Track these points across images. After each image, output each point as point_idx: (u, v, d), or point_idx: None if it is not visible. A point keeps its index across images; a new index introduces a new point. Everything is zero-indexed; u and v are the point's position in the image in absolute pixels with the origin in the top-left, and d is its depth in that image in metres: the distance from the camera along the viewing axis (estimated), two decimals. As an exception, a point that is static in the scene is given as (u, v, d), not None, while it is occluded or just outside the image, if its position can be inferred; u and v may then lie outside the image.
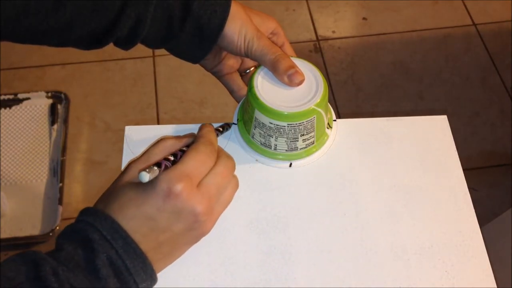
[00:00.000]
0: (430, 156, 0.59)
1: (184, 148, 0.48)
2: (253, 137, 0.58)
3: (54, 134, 1.51)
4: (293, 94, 0.55)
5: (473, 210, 0.56)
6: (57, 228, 1.33)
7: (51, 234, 1.32)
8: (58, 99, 1.57)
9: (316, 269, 0.52)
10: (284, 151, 0.57)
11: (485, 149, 1.56)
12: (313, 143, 0.57)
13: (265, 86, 0.55)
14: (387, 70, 1.70)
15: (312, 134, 0.56)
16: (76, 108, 1.57)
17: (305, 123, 0.54)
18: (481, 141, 1.58)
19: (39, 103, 1.56)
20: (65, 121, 1.53)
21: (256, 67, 0.57)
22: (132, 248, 0.42)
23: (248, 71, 0.62)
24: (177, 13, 0.52)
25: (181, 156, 0.46)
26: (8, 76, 1.63)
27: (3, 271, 0.39)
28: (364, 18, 1.83)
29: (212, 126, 0.53)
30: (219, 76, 0.61)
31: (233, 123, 0.60)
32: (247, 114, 0.57)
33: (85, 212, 0.45)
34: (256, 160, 0.58)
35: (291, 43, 0.61)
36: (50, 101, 1.57)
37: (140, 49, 0.58)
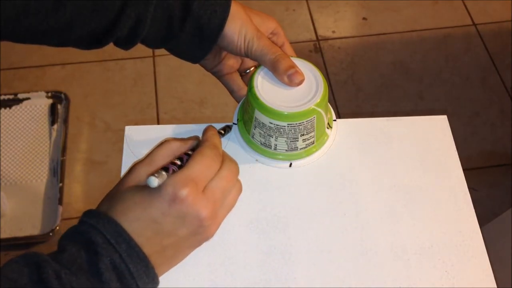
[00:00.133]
0: (430, 156, 0.59)
1: (190, 152, 0.47)
2: (253, 137, 0.58)
3: (54, 134, 1.51)
4: (293, 94, 0.55)
5: (473, 210, 0.56)
6: (57, 228, 1.33)
7: (51, 234, 1.32)
8: (58, 99, 1.57)
9: (316, 269, 0.52)
10: (284, 151, 0.57)
11: (485, 149, 1.56)
12: (313, 143, 0.57)
13: (265, 86, 0.55)
14: (387, 70, 1.70)
15: (312, 134, 0.56)
16: (76, 108, 1.57)
17: (305, 123, 0.54)
18: (481, 141, 1.58)
19: (39, 103, 1.56)
20: (65, 121, 1.53)
21: (256, 67, 0.57)
22: (135, 251, 0.42)
23: (248, 71, 0.62)
24: (177, 13, 0.52)
25: (187, 160, 0.46)
26: (8, 76, 1.63)
27: (6, 272, 0.39)
28: (364, 18, 1.83)
29: (216, 129, 0.53)
30: (219, 76, 0.61)
31: (233, 123, 0.60)
32: (247, 114, 0.57)
33: (88, 214, 0.44)
34: (256, 160, 0.58)
35: (291, 43, 0.61)
36: (50, 101, 1.57)
37: (140, 49, 0.58)
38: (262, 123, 0.55)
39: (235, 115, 0.60)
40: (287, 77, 0.54)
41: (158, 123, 1.57)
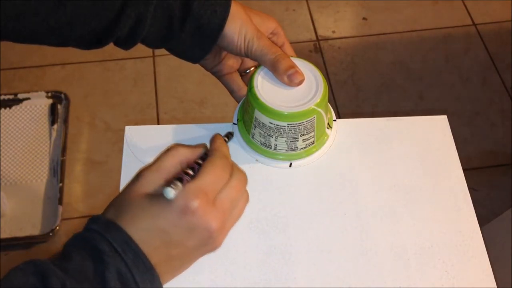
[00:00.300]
0: (430, 156, 0.59)
1: (199, 161, 0.47)
2: (253, 137, 0.58)
3: (54, 134, 1.51)
4: (293, 94, 0.55)
5: (473, 210, 0.56)
6: (57, 228, 1.33)
7: (51, 234, 1.32)
8: (58, 99, 1.57)
9: (316, 269, 0.52)
10: (284, 151, 0.57)
11: (485, 149, 1.56)
12: (313, 143, 0.57)
13: (265, 86, 0.55)
14: (387, 70, 1.70)
15: (312, 134, 0.56)
16: (76, 108, 1.57)
17: (305, 123, 0.54)
18: (481, 141, 1.58)
19: (39, 103, 1.56)
20: (65, 121, 1.52)
21: (256, 67, 0.57)
22: (142, 261, 0.42)
23: (248, 71, 0.62)
24: (177, 13, 0.52)
25: (197, 170, 0.45)
26: (8, 76, 1.63)
27: (11, 280, 0.39)
28: (364, 18, 1.83)
29: (223, 137, 0.52)
30: (219, 76, 0.61)
31: (233, 123, 0.60)
32: (247, 114, 0.57)
33: (95, 221, 0.43)
34: (256, 160, 0.58)
35: (291, 43, 0.60)
36: (50, 101, 1.57)
37: (140, 49, 0.58)
38: (262, 123, 0.55)
39: (235, 115, 0.60)
40: (287, 77, 0.54)
41: (158, 123, 1.57)
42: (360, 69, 1.70)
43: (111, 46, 0.55)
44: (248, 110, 0.56)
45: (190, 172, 0.45)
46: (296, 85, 0.55)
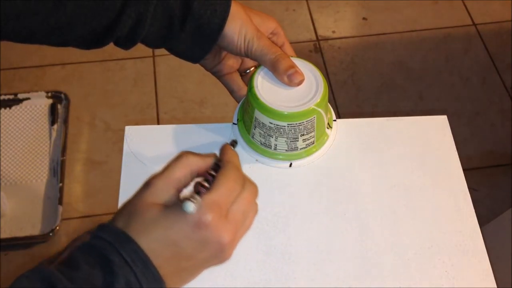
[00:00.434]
0: (430, 156, 0.59)
1: (212, 172, 0.46)
2: (253, 137, 0.58)
3: (54, 134, 1.51)
4: (293, 94, 0.55)
5: (473, 210, 0.56)
6: (57, 228, 1.33)
7: (51, 234, 1.32)
8: (58, 99, 1.57)
9: (316, 269, 0.52)
10: (284, 151, 0.57)
11: (485, 149, 1.56)
12: (313, 143, 0.57)
13: (265, 86, 0.55)
14: (387, 70, 1.70)
15: (312, 134, 0.56)
16: (76, 108, 1.57)
17: (305, 123, 0.54)
18: (481, 141, 1.58)
19: (39, 103, 1.56)
20: (65, 121, 1.52)
21: (256, 67, 0.57)
22: (151, 272, 0.41)
23: (248, 71, 0.62)
24: (177, 13, 0.52)
25: (211, 181, 0.45)
26: (8, 76, 1.63)
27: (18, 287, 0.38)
28: (364, 18, 1.83)
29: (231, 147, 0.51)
30: (219, 76, 0.61)
31: (233, 123, 0.60)
32: (247, 114, 0.57)
33: (104, 229, 0.42)
34: (256, 160, 0.58)
35: (291, 43, 0.60)
36: (50, 101, 1.57)
37: (140, 49, 0.58)
38: (262, 123, 0.55)
39: (235, 115, 0.60)
40: (287, 77, 0.54)
41: (158, 123, 1.57)
42: (360, 69, 1.70)
43: (111, 46, 0.55)
44: (248, 110, 0.56)
45: (206, 184, 0.44)
46: (296, 85, 0.55)
